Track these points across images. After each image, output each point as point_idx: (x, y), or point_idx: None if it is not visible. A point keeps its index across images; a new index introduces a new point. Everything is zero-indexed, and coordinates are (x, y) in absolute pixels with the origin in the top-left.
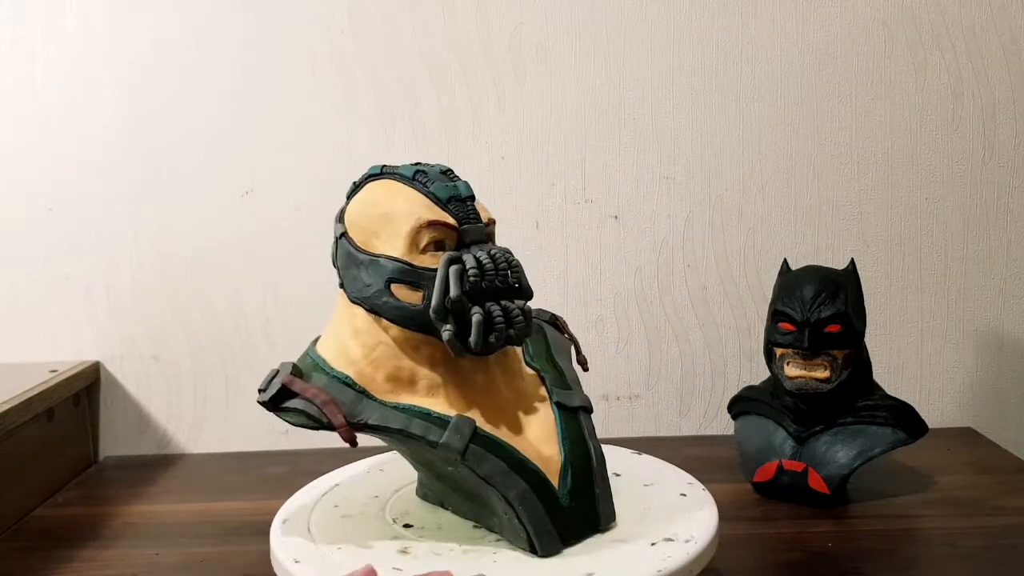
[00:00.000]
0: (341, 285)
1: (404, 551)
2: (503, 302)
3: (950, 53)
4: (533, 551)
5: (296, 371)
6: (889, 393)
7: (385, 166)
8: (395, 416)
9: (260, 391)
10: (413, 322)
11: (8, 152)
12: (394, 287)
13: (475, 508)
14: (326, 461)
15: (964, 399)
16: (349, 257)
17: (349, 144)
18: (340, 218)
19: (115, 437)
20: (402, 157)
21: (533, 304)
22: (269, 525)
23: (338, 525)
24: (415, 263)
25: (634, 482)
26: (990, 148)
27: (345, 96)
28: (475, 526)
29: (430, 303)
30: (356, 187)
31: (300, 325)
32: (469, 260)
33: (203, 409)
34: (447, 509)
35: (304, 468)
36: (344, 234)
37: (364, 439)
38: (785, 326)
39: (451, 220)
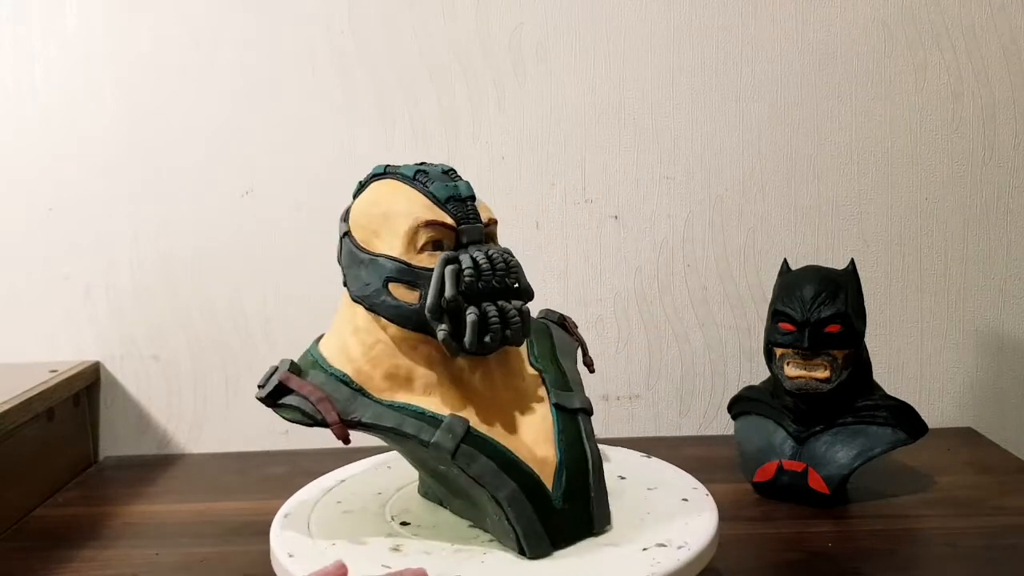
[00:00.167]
0: (345, 283)
1: (396, 548)
2: (500, 302)
3: (950, 53)
4: (522, 553)
5: (294, 368)
6: (889, 393)
7: (388, 166)
8: (389, 414)
9: (259, 387)
10: (410, 321)
11: (8, 152)
12: (392, 286)
13: (469, 508)
14: (326, 461)
15: (964, 399)
16: (351, 256)
17: (349, 144)
18: (345, 217)
19: (115, 437)
20: (402, 157)
21: (534, 304)
22: (269, 525)
23: (338, 521)
24: (412, 263)
25: (638, 485)
26: (990, 148)
27: (345, 96)
28: (471, 526)
29: (427, 302)
30: (361, 187)
31: (300, 325)
32: (465, 260)
33: (203, 409)
34: (446, 508)
35: (304, 468)
36: (347, 233)
37: (368, 438)
38: (785, 326)
39: (449, 220)
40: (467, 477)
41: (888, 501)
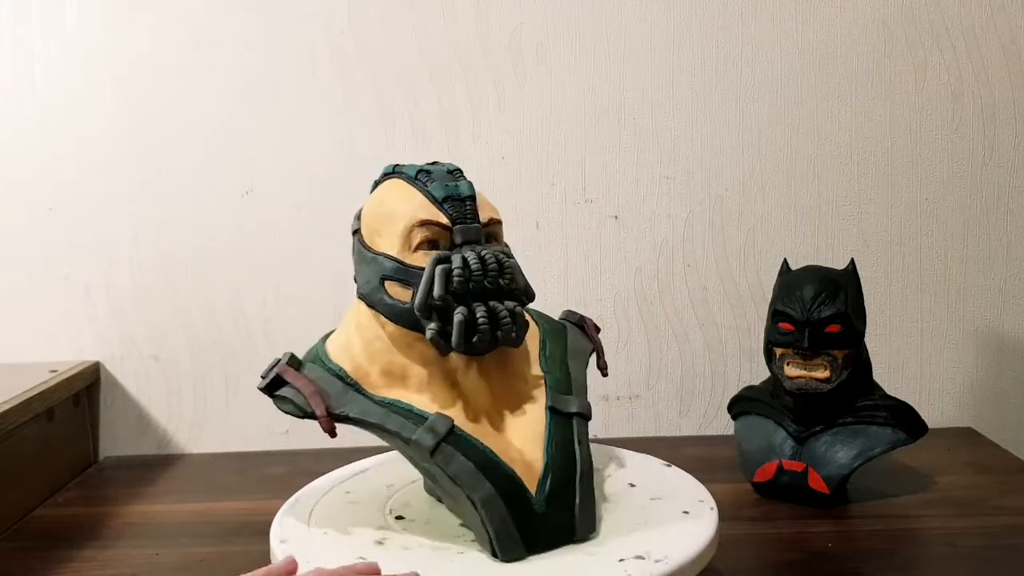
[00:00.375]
0: (355, 280)
1: (380, 541)
2: (492, 303)
3: (950, 53)
4: (495, 555)
5: (293, 362)
6: (889, 393)
7: (397, 165)
8: (375, 410)
9: (261, 377)
10: (404, 319)
11: (8, 152)
12: (388, 284)
13: (457, 506)
14: (326, 461)
15: (964, 399)
16: (359, 254)
17: (349, 144)
18: (357, 215)
19: (115, 437)
20: (402, 157)
21: (536, 306)
22: (269, 525)
23: (339, 510)
24: (407, 261)
25: (644, 494)
26: (990, 148)
27: (345, 96)
28: (461, 524)
29: (416, 301)
30: (375, 185)
31: (300, 325)
32: (456, 260)
33: (203, 409)
34: (445, 504)
35: (304, 468)
36: (357, 231)
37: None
38: (785, 326)
39: (444, 219)
40: (446, 476)
41: (888, 501)
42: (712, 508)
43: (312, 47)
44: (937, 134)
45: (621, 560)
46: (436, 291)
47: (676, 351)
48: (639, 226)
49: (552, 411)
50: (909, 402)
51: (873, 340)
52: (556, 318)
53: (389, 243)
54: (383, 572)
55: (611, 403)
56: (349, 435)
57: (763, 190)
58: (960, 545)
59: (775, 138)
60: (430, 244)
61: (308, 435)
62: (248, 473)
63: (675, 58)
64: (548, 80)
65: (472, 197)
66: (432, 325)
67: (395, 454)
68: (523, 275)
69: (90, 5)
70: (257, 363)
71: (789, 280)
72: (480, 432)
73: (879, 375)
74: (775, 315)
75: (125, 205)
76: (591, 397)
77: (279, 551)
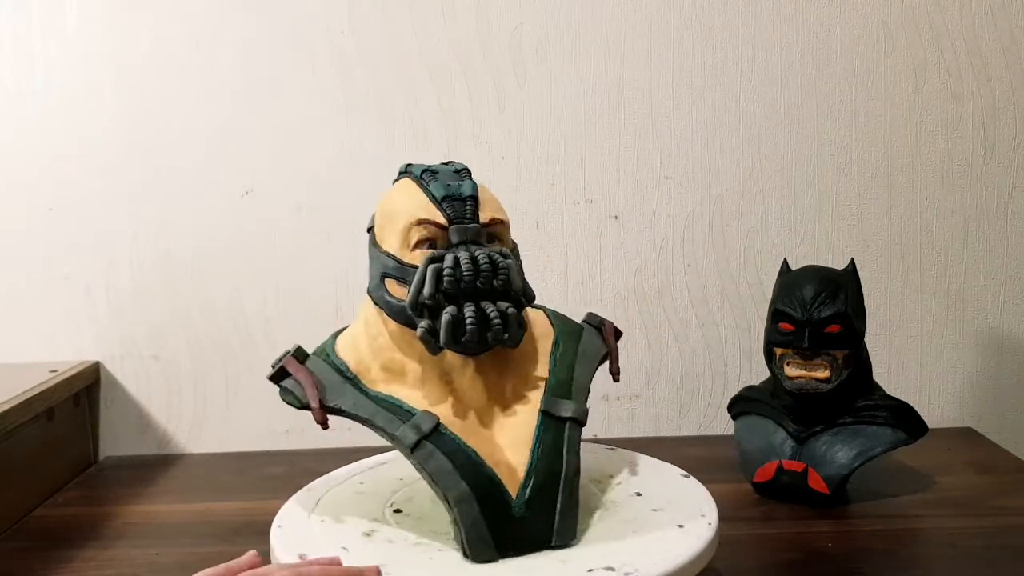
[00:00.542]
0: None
1: (368, 533)
2: (483, 303)
3: (950, 53)
4: (466, 555)
5: (299, 354)
6: (889, 393)
7: (409, 165)
8: (366, 405)
9: (272, 367)
10: (401, 317)
11: (8, 152)
12: (387, 282)
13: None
14: (327, 461)
15: (964, 399)
16: (370, 251)
17: (349, 144)
18: (373, 214)
19: (115, 437)
20: (402, 157)
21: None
22: (269, 525)
23: (346, 500)
24: (405, 259)
25: (647, 504)
26: (990, 148)
27: (345, 96)
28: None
29: (408, 299)
30: (394, 184)
31: (300, 325)
32: (448, 260)
33: (203, 409)
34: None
35: (304, 468)
36: (371, 228)
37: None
38: (785, 326)
39: (441, 219)
40: (426, 473)
41: (888, 501)
42: (711, 524)
43: (312, 47)
44: (937, 134)
45: (590, 570)
46: (426, 290)
47: (676, 351)
48: (639, 226)
49: (545, 414)
50: (909, 402)
51: (873, 340)
52: (579, 319)
53: (391, 241)
54: (344, 565)
55: (611, 403)
56: (348, 435)
57: (763, 190)
58: (960, 545)
59: (775, 138)
60: (428, 243)
61: (308, 435)
62: (248, 473)
63: (675, 58)
64: (548, 80)
65: (473, 197)
66: (423, 323)
67: None
68: (521, 276)
69: (90, 5)
70: (257, 363)
71: (789, 280)
72: (468, 432)
73: (879, 375)
74: (775, 315)
75: (125, 205)
76: (591, 398)
77: (275, 535)
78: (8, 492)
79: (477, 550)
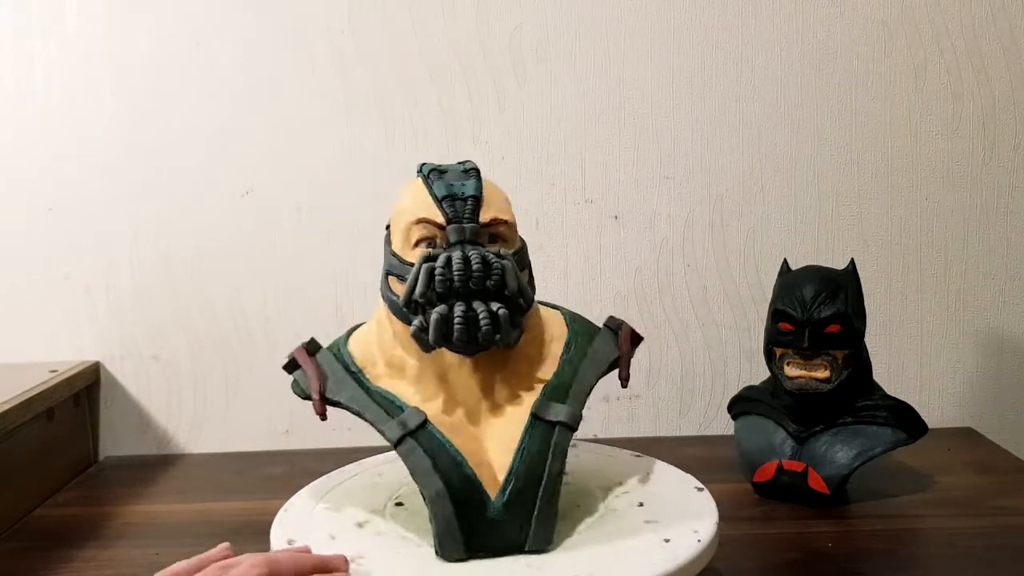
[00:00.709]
0: None
1: (361, 524)
2: (475, 303)
3: (950, 53)
4: (437, 552)
5: (310, 346)
6: (889, 393)
7: (424, 164)
8: (362, 399)
9: (286, 357)
10: (399, 314)
11: (8, 152)
12: (391, 279)
13: None
14: (327, 461)
15: (964, 399)
16: (384, 249)
17: (349, 144)
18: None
19: (115, 437)
20: (402, 157)
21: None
22: (269, 525)
23: (357, 491)
24: (405, 258)
25: (643, 516)
26: (990, 148)
27: (345, 96)
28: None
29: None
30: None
31: (300, 325)
32: (441, 259)
33: (203, 409)
34: None
35: (304, 468)
36: (388, 226)
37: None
38: (785, 326)
39: (439, 218)
40: (408, 469)
41: (888, 501)
42: (700, 540)
43: (312, 47)
44: (937, 134)
45: None
46: (418, 288)
47: (676, 351)
48: (639, 226)
49: (534, 417)
50: (909, 402)
51: (873, 340)
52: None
53: (396, 239)
54: (313, 552)
55: (611, 403)
56: (348, 435)
57: (763, 190)
58: (960, 545)
59: (775, 138)
60: (428, 242)
61: (308, 435)
62: (248, 473)
63: (675, 58)
64: (548, 80)
65: (475, 197)
66: (416, 321)
67: None
68: (518, 277)
69: (90, 5)
70: (257, 363)
71: (789, 280)
72: (456, 431)
73: (879, 375)
74: (775, 315)
75: (125, 205)
76: (591, 398)
77: (278, 518)
78: (8, 492)
79: (447, 548)
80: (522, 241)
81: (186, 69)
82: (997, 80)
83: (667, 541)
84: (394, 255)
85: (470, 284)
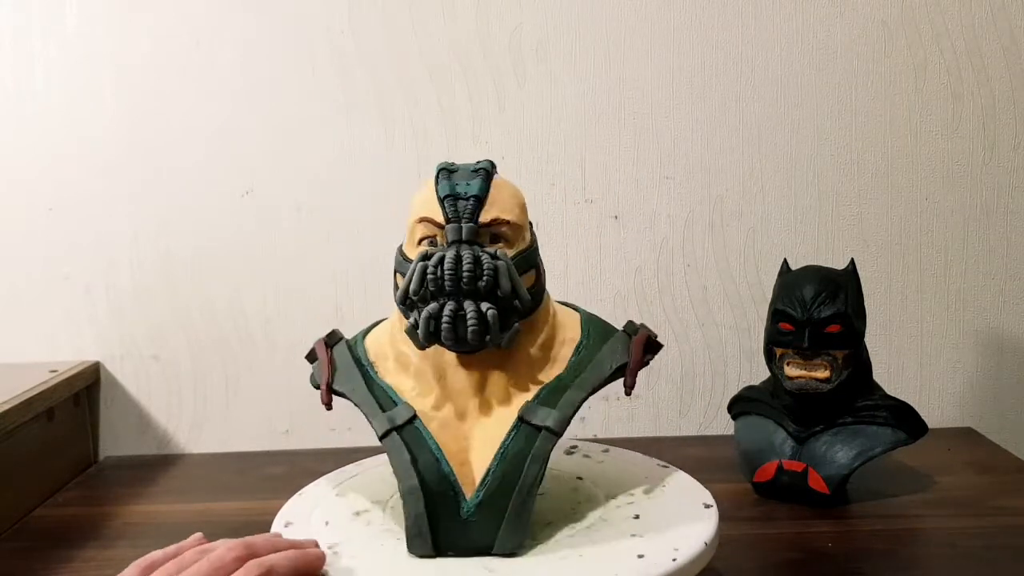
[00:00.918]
0: None
1: (357, 513)
2: (466, 303)
3: (950, 53)
4: (409, 548)
5: (329, 338)
6: (889, 393)
7: (442, 163)
8: (361, 391)
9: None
10: (401, 310)
11: (8, 152)
12: (397, 277)
13: None
14: (327, 461)
15: (964, 399)
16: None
17: (349, 144)
18: None
19: (115, 437)
20: (402, 157)
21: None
22: (269, 525)
23: (372, 480)
24: (409, 256)
25: (630, 528)
26: (990, 148)
27: (345, 96)
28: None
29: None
30: None
31: (300, 325)
32: (435, 258)
33: (203, 409)
34: None
35: (304, 468)
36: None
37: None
38: (785, 326)
39: (439, 217)
40: (390, 464)
41: (888, 501)
42: (675, 560)
43: (312, 47)
44: (937, 134)
45: None
46: (412, 286)
47: (676, 351)
48: (639, 226)
49: (520, 420)
50: (909, 402)
51: (873, 340)
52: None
53: (405, 237)
54: (286, 537)
55: (611, 403)
56: (349, 435)
57: (763, 190)
58: (960, 545)
59: (775, 138)
60: (429, 241)
61: (308, 435)
62: (248, 473)
63: (675, 58)
64: (548, 80)
65: (477, 197)
66: (410, 318)
67: None
68: (512, 278)
69: (90, 5)
70: (257, 363)
71: (789, 280)
72: (444, 429)
73: (879, 375)
74: (775, 315)
75: (125, 205)
76: (591, 398)
77: (290, 501)
78: (8, 492)
79: (415, 544)
80: (533, 241)
81: (186, 69)
82: (997, 80)
83: (640, 557)
84: (401, 252)
85: (461, 284)
